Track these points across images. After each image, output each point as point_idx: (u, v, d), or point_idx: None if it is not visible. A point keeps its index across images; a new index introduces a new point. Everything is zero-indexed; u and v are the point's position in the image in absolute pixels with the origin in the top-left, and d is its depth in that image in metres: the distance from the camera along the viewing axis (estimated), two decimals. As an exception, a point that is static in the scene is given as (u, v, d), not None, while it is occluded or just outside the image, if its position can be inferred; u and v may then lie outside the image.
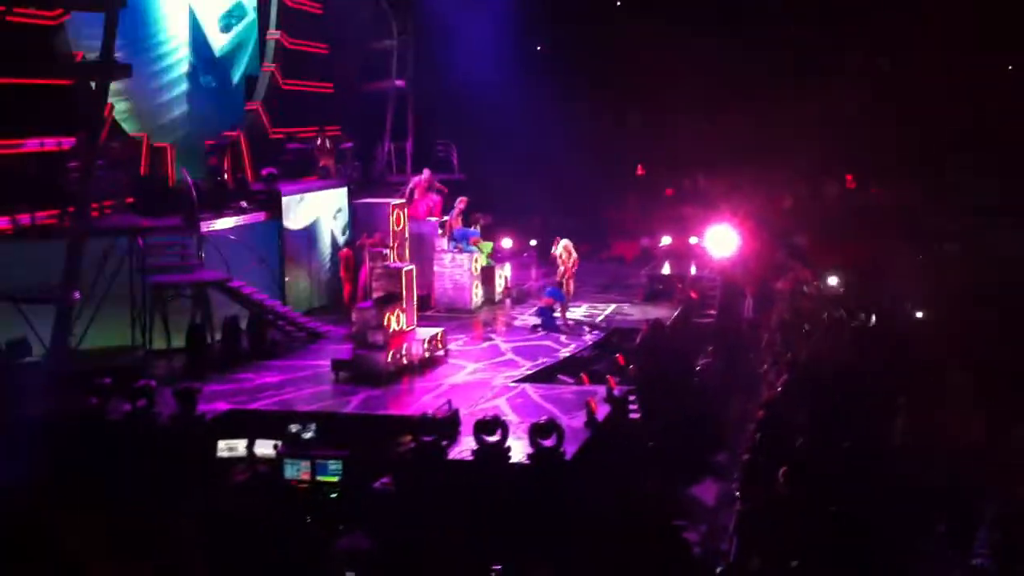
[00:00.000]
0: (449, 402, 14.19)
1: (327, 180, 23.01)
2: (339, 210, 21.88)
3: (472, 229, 22.05)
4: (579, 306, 21.12)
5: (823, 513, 13.19)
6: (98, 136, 18.12)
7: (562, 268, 20.50)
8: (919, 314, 19.60)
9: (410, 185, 22.36)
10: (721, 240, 22.82)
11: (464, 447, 13.27)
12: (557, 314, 19.87)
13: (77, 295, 16.49)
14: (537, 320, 19.83)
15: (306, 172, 23.27)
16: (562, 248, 20.65)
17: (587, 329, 19.68)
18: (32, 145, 18.44)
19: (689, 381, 17.59)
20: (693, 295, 21.61)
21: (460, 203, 22.17)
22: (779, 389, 16.40)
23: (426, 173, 22.87)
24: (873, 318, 19.09)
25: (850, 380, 16.39)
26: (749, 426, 16.21)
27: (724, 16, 28.57)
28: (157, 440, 13.56)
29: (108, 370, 15.40)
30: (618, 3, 31.42)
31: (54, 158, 18.59)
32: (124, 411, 14.05)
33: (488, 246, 22.22)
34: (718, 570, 12.82)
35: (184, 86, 21.93)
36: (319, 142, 23.77)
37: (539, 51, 29.06)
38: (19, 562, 10.74)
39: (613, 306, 21.42)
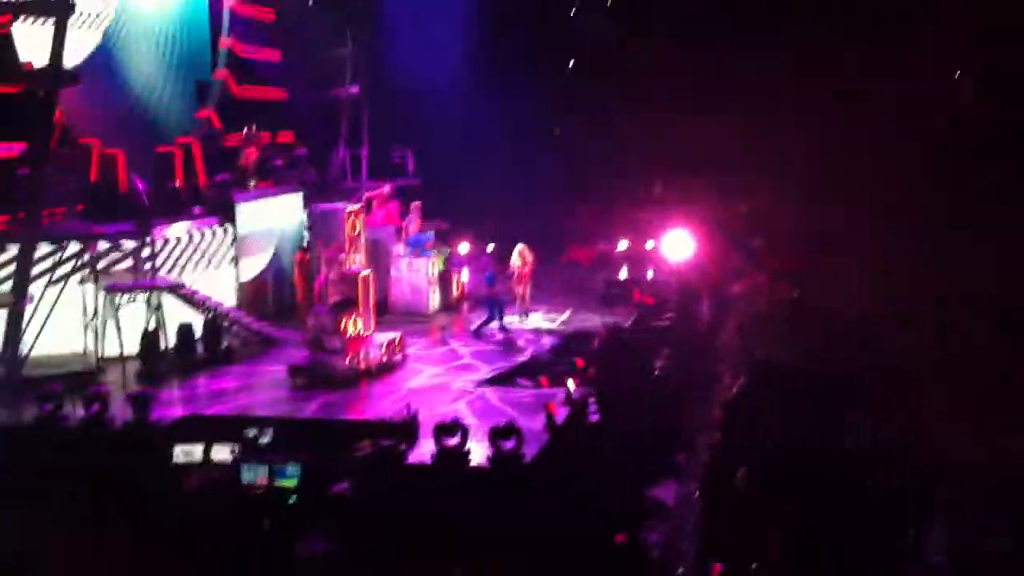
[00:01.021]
0: (408, 406, 14.12)
1: (271, 181, 22.74)
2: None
3: (427, 234, 22.02)
4: (536, 311, 21.14)
5: (782, 513, 13.28)
6: (48, 142, 17.91)
7: (516, 273, 20.65)
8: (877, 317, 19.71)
9: (368, 196, 22.38)
10: (678, 244, 22.90)
11: (424, 450, 13.20)
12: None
13: (27, 301, 16.29)
14: (484, 317, 19.91)
15: (261, 178, 23.07)
16: (516, 253, 20.76)
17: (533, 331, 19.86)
18: (-19, 151, 18.21)
19: (647, 384, 17.62)
20: (649, 300, 21.68)
21: (414, 209, 22.20)
22: (736, 391, 16.50)
23: (387, 188, 22.93)
24: None
25: (806, 381, 16.52)
26: (708, 427, 16.29)
27: (686, 19, 28.67)
28: (111, 446, 13.35)
29: (60, 377, 15.22)
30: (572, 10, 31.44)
31: (4, 164, 18.32)
32: (77, 417, 13.84)
33: (444, 252, 22.19)
34: (679, 571, 12.84)
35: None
36: (245, 130, 23.18)
37: (494, 56, 28.94)
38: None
39: (570, 311, 21.44)
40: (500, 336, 19.53)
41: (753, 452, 14.84)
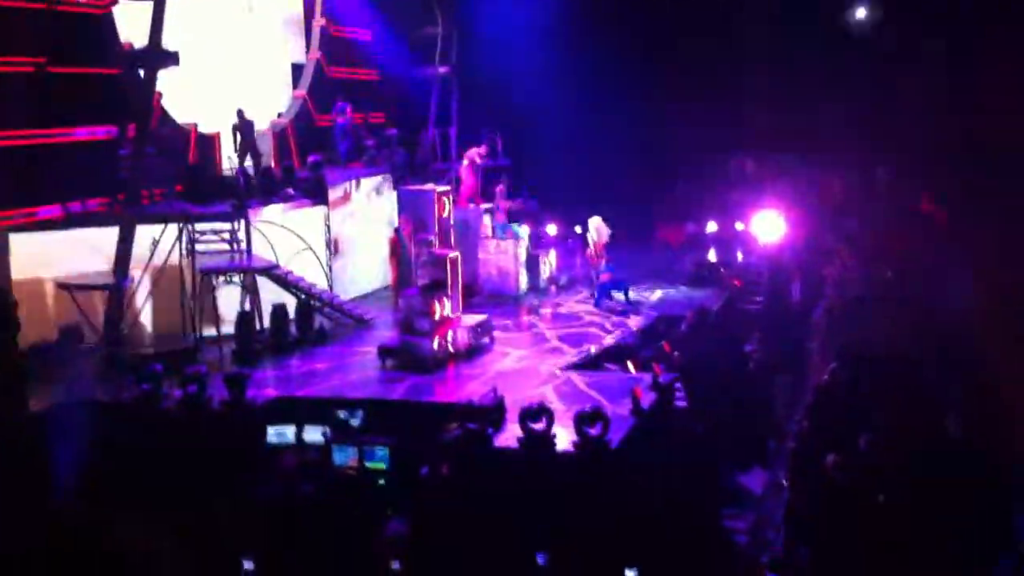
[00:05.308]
0: (495, 389, 14.22)
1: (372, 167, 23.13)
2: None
3: (509, 225, 22.10)
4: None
5: (871, 502, 13.09)
6: (148, 124, 18.34)
7: (592, 247, 20.65)
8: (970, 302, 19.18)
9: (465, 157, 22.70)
10: (768, 226, 22.62)
11: (510, 434, 13.30)
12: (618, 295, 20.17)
13: (128, 281, 16.77)
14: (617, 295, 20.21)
15: (352, 158, 23.44)
16: (592, 227, 20.78)
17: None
18: (83, 134, 18.71)
19: (735, 368, 17.48)
20: (737, 282, 21.47)
21: (499, 191, 22.27)
22: (827, 376, 16.26)
23: (483, 149, 23.14)
24: None
25: (901, 368, 16.20)
26: (796, 414, 16.11)
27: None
28: (208, 426, 13.71)
29: (159, 356, 15.67)
30: None
31: (104, 146, 18.84)
32: (176, 397, 14.24)
33: (525, 230, 22.17)
34: (764, 559, 12.77)
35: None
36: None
37: (585, 35, 28.70)
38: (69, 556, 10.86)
39: (659, 292, 21.34)
40: (588, 318, 19.54)
41: (843, 439, 14.65)
